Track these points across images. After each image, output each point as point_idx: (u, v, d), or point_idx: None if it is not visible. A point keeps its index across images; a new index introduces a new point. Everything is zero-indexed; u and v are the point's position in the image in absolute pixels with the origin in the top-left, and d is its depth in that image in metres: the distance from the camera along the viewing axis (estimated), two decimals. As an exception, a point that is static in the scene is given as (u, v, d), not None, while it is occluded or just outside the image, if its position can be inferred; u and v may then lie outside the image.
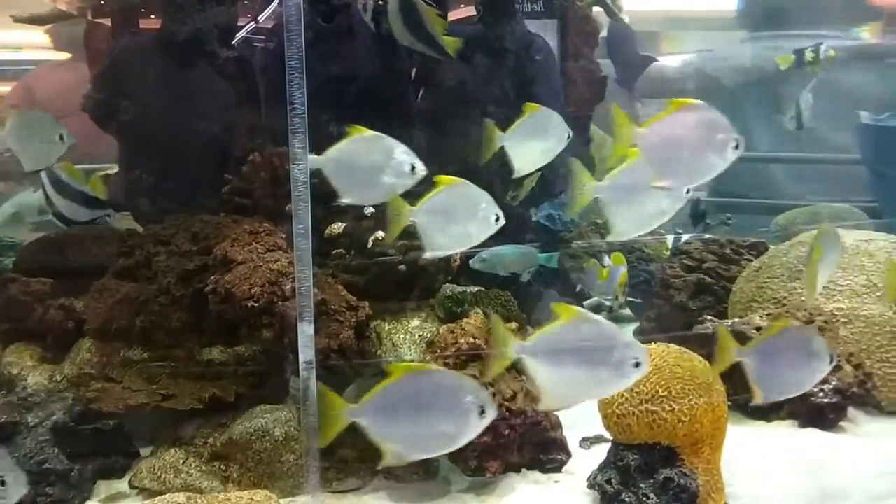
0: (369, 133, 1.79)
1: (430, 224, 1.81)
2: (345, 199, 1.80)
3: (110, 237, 2.60)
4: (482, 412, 1.50)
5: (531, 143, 2.16)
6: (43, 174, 2.72)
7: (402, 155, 1.80)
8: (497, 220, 1.83)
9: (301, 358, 1.62)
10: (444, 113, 3.04)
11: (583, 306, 3.60)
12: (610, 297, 3.55)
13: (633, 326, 3.25)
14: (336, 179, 1.78)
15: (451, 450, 1.57)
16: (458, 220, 1.83)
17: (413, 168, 1.80)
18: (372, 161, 1.79)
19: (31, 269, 2.59)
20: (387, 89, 2.93)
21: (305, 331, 1.62)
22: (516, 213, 3.17)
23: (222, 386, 2.11)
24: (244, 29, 2.95)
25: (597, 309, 3.63)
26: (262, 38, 2.91)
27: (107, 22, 3.08)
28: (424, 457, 1.66)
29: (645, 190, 1.77)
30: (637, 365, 1.54)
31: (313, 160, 1.76)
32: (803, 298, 2.57)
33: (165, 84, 2.78)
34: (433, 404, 1.51)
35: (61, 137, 2.41)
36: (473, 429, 1.52)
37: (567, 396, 1.64)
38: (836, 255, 2.28)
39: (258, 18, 2.92)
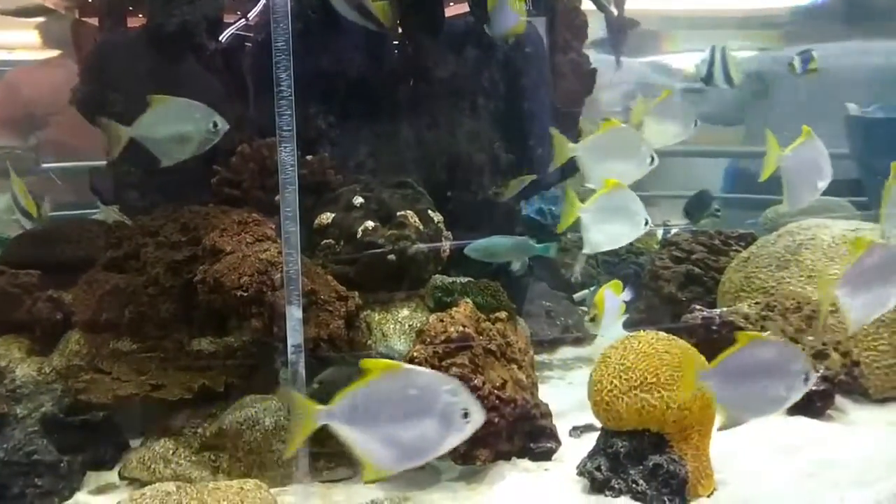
0: (620, 125, 2.15)
1: (593, 221, 2.08)
2: (591, 185, 2.13)
3: (98, 230, 2.59)
4: (806, 379, 1.63)
5: (665, 125, 2.40)
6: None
7: (646, 147, 2.14)
8: (646, 223, 2.12)
9: (290, 342, 1.62)
10: (434, 104, 3.03)
11: (573, 299, 3.64)
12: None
13: (623, 318, 3.26)
14: (588, 167, 2.14)
15: (781, 410, 1.68)
16: (617, 222, 2.12)
17: (652, 159, 2.14)
18: (622, 151, 2.14)
19: (19, 262, 2.57)
20: (376, 81, 2.93)
21: (294, 314, 1.62)
22: (506, 208, 3.19)
23: (212, 376, 2.10)
24: (235, 24, 2.94)
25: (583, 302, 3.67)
26: (251, 32, 2.90)
27: (94, 20, 3.06)
28: (756, 418, 1.72)
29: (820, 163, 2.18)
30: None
31: (571, 147, 2.14)
32: (791, 287, 2.58)
33: (153, 76, 2.77)
34: (767, 371, 1.62)
35: (215, 125, 2.18)
36: (799, 393, 1.65)
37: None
38: None
39: (248, 14, 2.91)
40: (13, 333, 2.44)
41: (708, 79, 3.56)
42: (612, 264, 3.75)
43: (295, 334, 1.62)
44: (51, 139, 4.06)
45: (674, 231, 3.67)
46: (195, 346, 2.20)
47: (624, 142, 2.18)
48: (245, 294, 1.99)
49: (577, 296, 3.72)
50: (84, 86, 2.89)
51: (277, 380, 2.23)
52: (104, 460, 2.14)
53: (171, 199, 2.70)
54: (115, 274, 2.28)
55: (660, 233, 4.10)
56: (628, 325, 3.21)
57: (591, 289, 3.60)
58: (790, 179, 2.18)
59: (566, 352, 3.13)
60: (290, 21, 1.44)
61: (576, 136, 3.59)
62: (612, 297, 2.48)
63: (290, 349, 1.62)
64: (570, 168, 3.56)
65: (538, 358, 2.67)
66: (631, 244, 3.99)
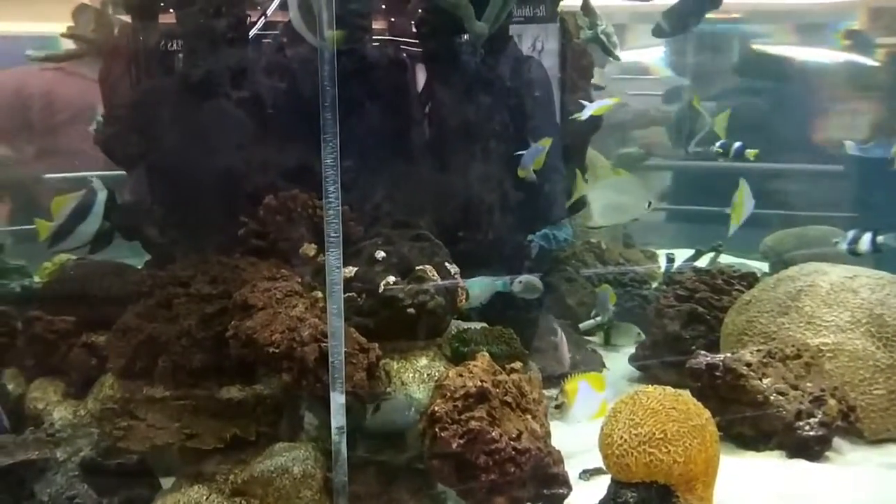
0: None
1: None
2: None
3: (130, 274, 2.71)
4: None
5: None
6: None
7: None
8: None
9: (333, 424, 1.73)
10: (447, 148, 3.14)
11: (578, 329, 3.74)
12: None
13: (628, 352, 3.38)
14: None
15: None
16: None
17: None
18: None
19: (54, 302, 2.67)
20: (392, 127, 3.04)
21: (337, 399, 1.73)
22: (513, 244, 3.30)
23: (243, 425, 2.22)
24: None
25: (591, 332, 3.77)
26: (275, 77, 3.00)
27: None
28: None
29: None
30: None
31: None
32: (791, 333, 2.69)
33: (181, 125, 2.88)
34: None
35: (649, 204, 2.63)
36: None
37: None
38: None
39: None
40: (49, 376, 2.57)
41: (606, 48, 3.87)
42: (617, 295, 3.85)
43: (338, 417, 1.73)
44: (53, 148, 3.97)
45: (676, 267, 3.79)
46: (225, 395, 2.30)
47: None
48: (277, 350, 2.10)
49: (582, 325, 3.83)
50: (109, 127, 3.00)
51: (303, 426, 2.34)
52: (138, 501, 2.26)
53: (191, 238, 2.81)
54: (147, 323, 2.38)
55: (663, 262, 4.22)
56: (633, 360, 3.34)
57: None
58: None
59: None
60: (338, 141, 1.53)
61: (583, 171, 3.72)
62: (589, 391, 2.37)
63: (333, 431, 1.73)
64: (579, 203, 3.70)
65: (547, 393, 2.77)
66: (634, 272, 4.12)
